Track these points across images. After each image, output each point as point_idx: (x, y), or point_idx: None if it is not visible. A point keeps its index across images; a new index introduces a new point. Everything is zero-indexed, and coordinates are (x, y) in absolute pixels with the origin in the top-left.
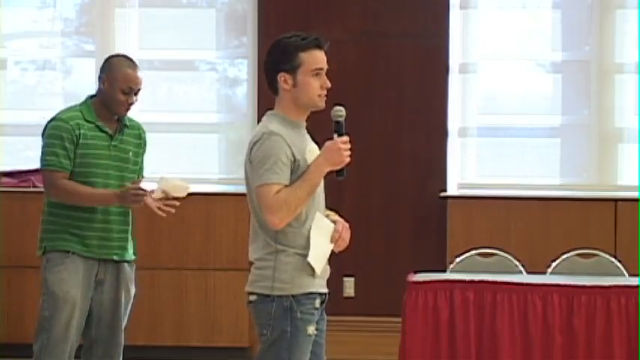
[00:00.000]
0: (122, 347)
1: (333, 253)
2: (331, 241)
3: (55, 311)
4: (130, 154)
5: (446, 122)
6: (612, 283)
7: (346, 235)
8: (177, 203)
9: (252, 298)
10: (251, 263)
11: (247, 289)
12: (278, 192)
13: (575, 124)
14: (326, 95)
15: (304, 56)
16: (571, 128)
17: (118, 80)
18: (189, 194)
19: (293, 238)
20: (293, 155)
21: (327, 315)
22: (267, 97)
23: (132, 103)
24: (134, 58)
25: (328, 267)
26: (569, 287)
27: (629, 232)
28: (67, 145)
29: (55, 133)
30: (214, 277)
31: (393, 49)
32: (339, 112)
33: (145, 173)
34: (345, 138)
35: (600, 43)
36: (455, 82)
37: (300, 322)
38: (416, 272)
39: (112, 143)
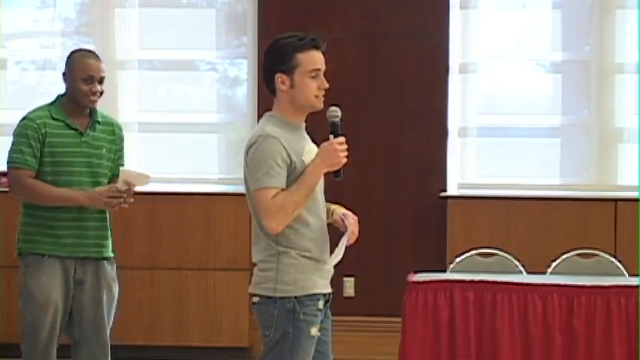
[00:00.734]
0: (108, 346)
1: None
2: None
3: (39, 316)
4: (104, 150)
5: (446, 122)
6: (612, 283)
7: (356, 229)
8: (131, 200)
9: (256, 299)
10: (254, 264)
11: (250, 290)
12: (275, 196)
13: (575, 124)
14: (324, 96)
15: (301, 57)
16: (571, 128)
17: (77, 71)
18: (189, 194)
19: (294, 239)
20: (289, 157)
21: None
22: (267, 97)
23: (96, 93)
24: (134, 58)
25: (331, 268)
26: (569, 287)
27: (629, 232)
28: (33, 143)
29: (21, 131)
30: (214, 277)
31: (393, 49)
32: (335, 112)
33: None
34: (342, 139)
35: (600, 43)
36: (455, 82)
37: (303, 323)
38: (416, 272)
39: (83, 140)
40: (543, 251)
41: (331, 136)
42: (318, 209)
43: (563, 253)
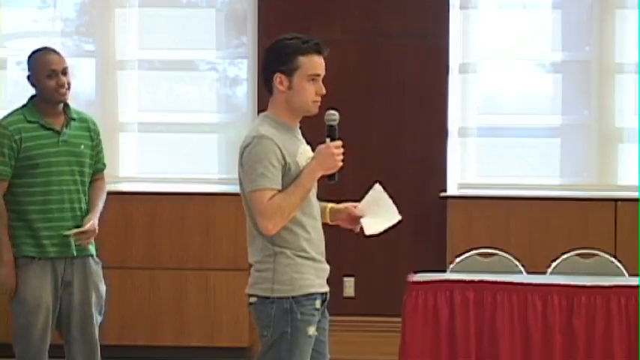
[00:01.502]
0: (97, 345)
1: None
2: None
3: (31, 318)
4: (82, 147)
5: (446, 122)
6: (612, 283)
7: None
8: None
9: (253, 300)
10: (250, 265)
11: (247, 291)
12: (272, 197)
13: (575, 124)
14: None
15: (303, 60)
16: (571, 128)
17: (38, 69)
18: (189, 194)
19: (290, 239)
20: (284, 158)
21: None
22: (267, 97)
23: (63, 84)
24: (134, 58)
25: (327, 266)
26: (569, 287)
27: (629, 232)
28: (6, 151)
29: None
30: (214, 277)
31: (393, 49)
32: (333, 116)
33: (148, 174)
34: (338, 142)
35: (600, 43)
36: (455, 82)
37: (301, 323)
38: (416, 272)
39: (61, 139)
40: (543, 251)
41: (328, 139)
42: (312, 210)
43: (563, 253)
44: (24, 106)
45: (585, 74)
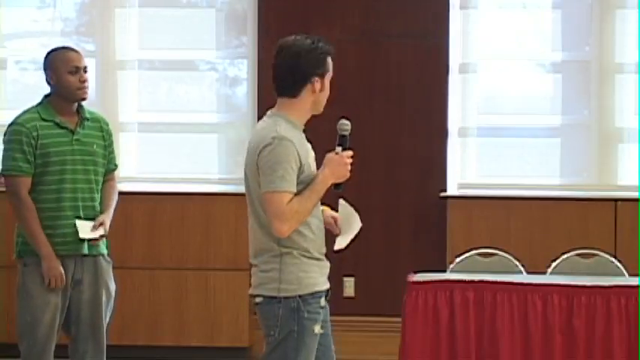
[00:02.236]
0: (105, 345)
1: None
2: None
3: (37, 315)
4: (95, 146)
5: (446, 122)
6: (612, 283)
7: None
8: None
9: (259, 300)
10: (251, 265)
11: (252, 292)
12: (290, 201)
13: (575, 124)
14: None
15: (329, 62)
16: (571, 128)
17: (59, 66)
18: (189, 194)
19: (296, 240)
20: (300, 160)
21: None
22: (267, 97)
23: (85, 82)
24: (134, 58)
25: (328, 263)
26: (569, 287)
27: (629, 232)
28: (26, 148)
29: (12, 138)
30: (214, 277)
31: (393, 49)
32: (346, 125)
33: (148, 174)
34: (350, 153)
35: (600, 43)
36: (455, 82)
37: (307, 321)
38: (416, 272)
39: (75, 138)
40: (543, 251)
41: (339, 148)
42: (317, 210)
43: (563, 253)
44: (38, 104)
45: (585, 74)
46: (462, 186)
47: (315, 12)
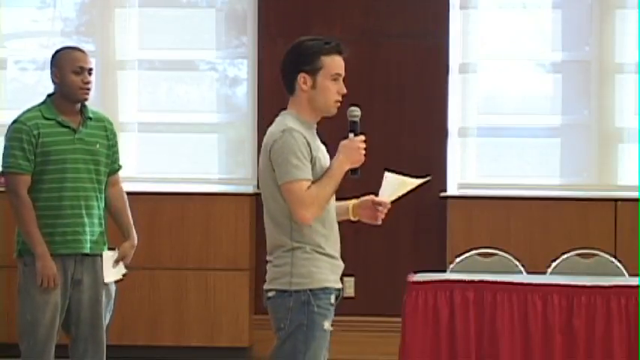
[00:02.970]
0: (105, 345)
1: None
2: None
3: (38, 315)
4: (98, 145)
5: (446, 122)
6: (612, 283)
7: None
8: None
9: (271, 294)
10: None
11: (266, 287)
12: (308, 188)
13: (575, 124)
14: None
15: (326, 60)
16: (571, 128)
17: (67, 65)
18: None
19: (308, 234)
20: (311, 152)
21: None
22: (267, 97)
23: (88, 83)
24: (134, 58)
25: (342, 263)
26: (569, 287)
27: (629, 232)
28: (26, 146)
29: (13, 135)
30: (214, 277)
31: (393, 49)
32: (355, 112)
33: (148, 174)
34: (362, 137)
35: (600, 43)
36: (455, 82)
37: (317, 315)
38: (416, 272)
39: (77, 137)
40: (543, 251)
41: (351, 134)
42: (330, 207)
43: (563, 253)
44: (42, 103)
45: (585, 74)
46: (462, 186)
47: (315, 12)
